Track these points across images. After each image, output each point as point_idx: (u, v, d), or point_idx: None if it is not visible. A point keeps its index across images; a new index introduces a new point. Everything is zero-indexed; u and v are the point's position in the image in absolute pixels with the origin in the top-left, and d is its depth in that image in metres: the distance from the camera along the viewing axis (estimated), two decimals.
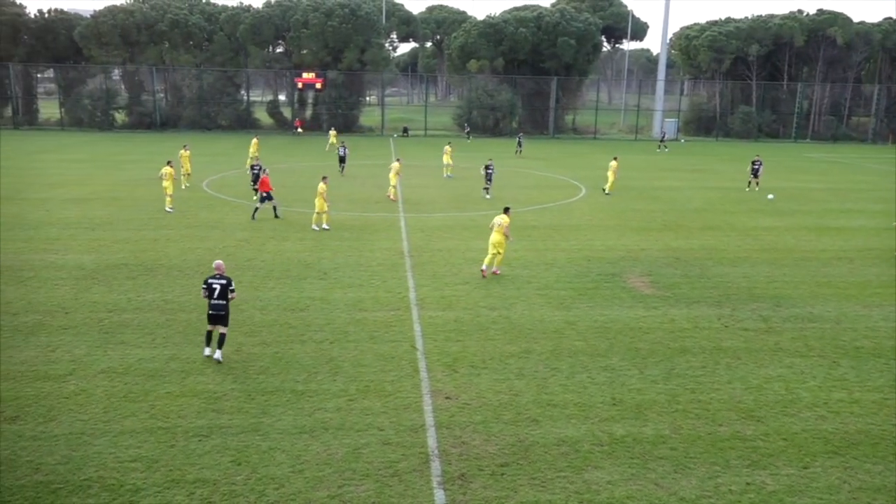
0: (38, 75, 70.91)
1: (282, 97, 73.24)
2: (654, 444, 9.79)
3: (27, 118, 64.86)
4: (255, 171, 28.08)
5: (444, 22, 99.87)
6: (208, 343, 12.32)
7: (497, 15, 68.78)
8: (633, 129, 68.27)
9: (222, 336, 12.13)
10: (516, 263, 19.00)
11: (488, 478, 8.88)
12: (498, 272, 17.83)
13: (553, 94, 65.94)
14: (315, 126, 64.57)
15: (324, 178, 23.12)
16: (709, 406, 11.01)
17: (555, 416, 10.52)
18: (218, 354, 12.10)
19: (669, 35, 74.53)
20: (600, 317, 14.90)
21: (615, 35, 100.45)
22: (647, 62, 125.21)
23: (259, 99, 79.00)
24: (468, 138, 54.31)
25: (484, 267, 17.62)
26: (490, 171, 29.70)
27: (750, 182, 33.66)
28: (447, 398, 11.05)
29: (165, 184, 25.09)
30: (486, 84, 65.06)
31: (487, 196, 29.46)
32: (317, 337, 13.41)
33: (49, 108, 69.40)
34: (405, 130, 64.91)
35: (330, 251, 19.90)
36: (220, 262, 12.38)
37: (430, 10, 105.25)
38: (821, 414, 10.86)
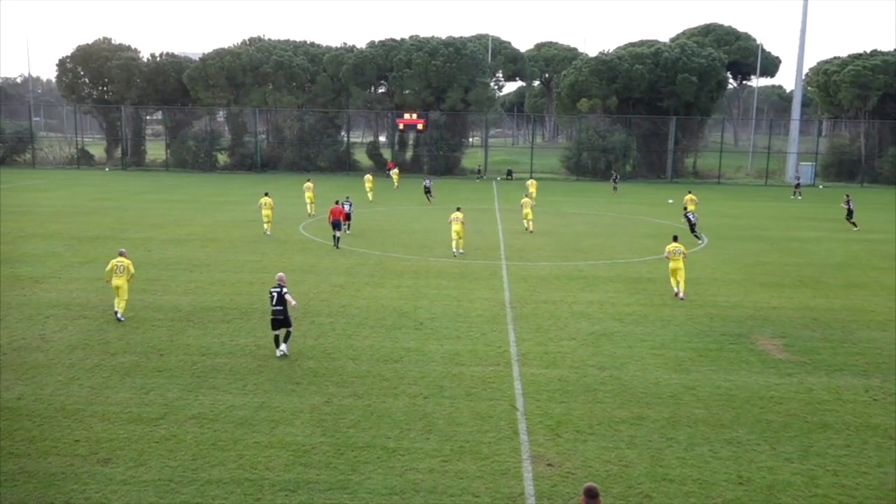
0: (147, 117, 76.94)
1: (382, 138, 75.86)
2: None
3: (135, 159, 70.24)
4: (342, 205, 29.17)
5: (553, 59, 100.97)
6: (277, 345, 15.08)
7: (611, 51, 68.86)
8: (763, 174, 65.79)
9: (288, 332, 15.07)
10: (629, 319, 18.51)
11: None
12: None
13: (672, 134, 64.85)
14: (416, 168, 66.12)
15: (458, 208, 27.27)
16: (854, 492, 10.17)
17: (671, 493, 10.02)
18: (284, 347, 14.98)
19: (805, 70, 72.02)
20: (724, 382, 14.19)
21: (742, 71, 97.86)
22: (778, 100, 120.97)
23: (359, 140, 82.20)
24: (615, 188, 52.84)
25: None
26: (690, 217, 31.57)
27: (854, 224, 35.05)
28: (549, 465, 10.77)
29: (265, 212, 30.35)
30: (597, 124, 64.86)
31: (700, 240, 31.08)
32: (410, 391, 13.48)
33: (155, 150, 74.98)
34: (509, 173, 65.39)
35: (427, 300, 20.12)
36: (281, 274, 15.52)
37: (539, 47, 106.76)
38: None
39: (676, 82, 63.06)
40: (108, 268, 17.70)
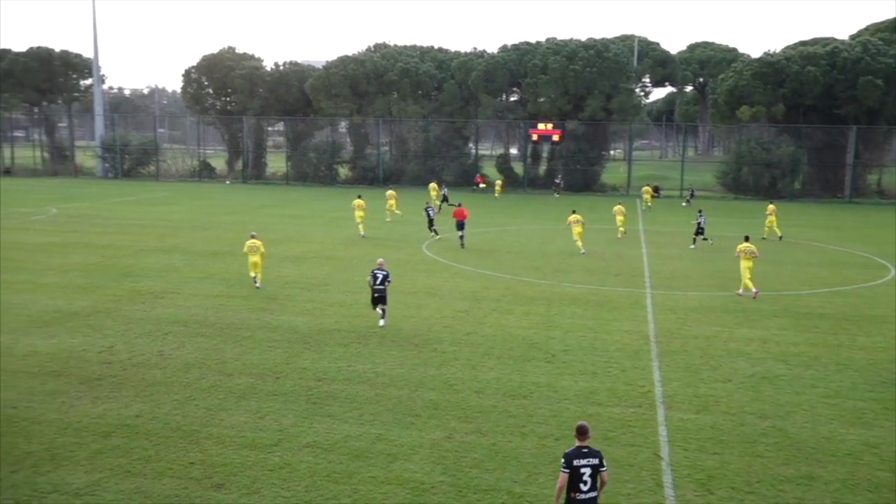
0: (269, 128, 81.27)
1: (513, 150, 76.20)
2: None
3: (255, 172, 74.34)
4: (429, 213, 36.33)
5: (708, 62, 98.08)
6: (375, 308, 20.06)
7: (778, 51, 66.07)
8: None
9: (384, 310, 19.90)
10: (796, 361, 17.55)
11: None
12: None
13: (851, 147, 61.17)
14: (547, 184, 66.08)
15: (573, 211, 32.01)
16: None
17: None
18: (382, 322, 19.72)
19: None
20: None
21: None
22: None
23: (488, 152, 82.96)
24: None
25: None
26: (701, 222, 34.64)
27: None
28: None
29: (358, 213, 35.91)
30: (760, 135, 62.27)
31: (692, 246, 34.43)
32: (540, 430, 13.37)
33: (276, 162, 78.98)
34: (657, 190, 63.86)
35: (560, 330, 19.94)
36: (382, 259, 20.78)
37: (692, 48, 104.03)
38: None
39: (858, 86, 59.44)
40: (245, 250, 24.44)
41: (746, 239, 24.81)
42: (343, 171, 72.13)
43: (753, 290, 23.99)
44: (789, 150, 60.76)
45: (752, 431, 13.48)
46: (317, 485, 11.27)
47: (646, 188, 54.82)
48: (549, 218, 45.18)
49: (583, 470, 8.68)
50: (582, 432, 8.92)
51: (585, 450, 8.81)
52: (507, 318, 21.05)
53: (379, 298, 19.82)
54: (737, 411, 14.42)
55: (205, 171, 75.95)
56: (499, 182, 61.78)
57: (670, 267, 29.41)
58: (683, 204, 55.82)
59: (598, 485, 8.82)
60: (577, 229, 31.91)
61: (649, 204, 52.85)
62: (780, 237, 37.37)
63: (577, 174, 65.45)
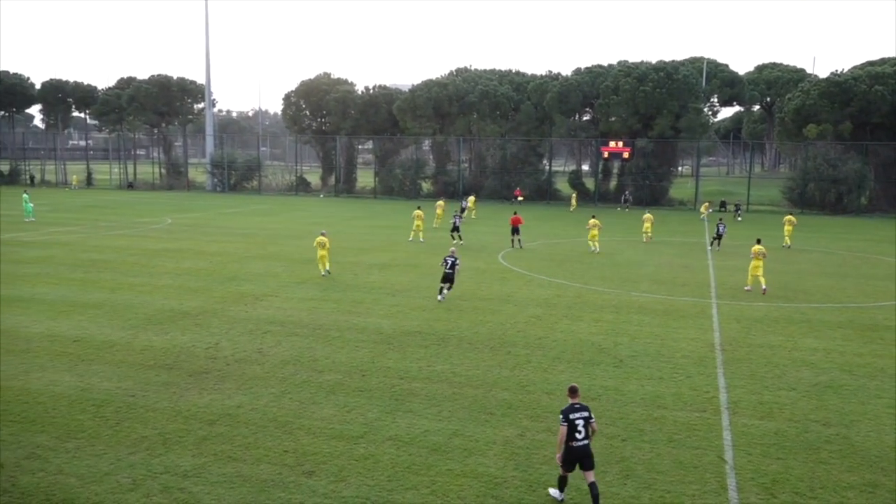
0: (359, 146, 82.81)
1: (585, 167, 75.43)
2: None
3: (346, 186, 75.76)
4: (454, 221, 38.14)
5: (776, 82, 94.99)
6: (440, 292, 23.22)
7: (845, 71, 63.41)
8: None
9: (449, 288, 23.23)
10: (861, 371, 16.76)
11: None
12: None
13: None
14: (617, 198, 65.14)
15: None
16: None
17: None
18: (444, 295, 23.14)
19: None
20: None
21: None
22: None
23: (561, 169, 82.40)
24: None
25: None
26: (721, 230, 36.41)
27: None
28: None
29: (417, 223, 37.65)
30: (826, 152, 59.83)
31: (717, 248, 36.43)
32: (608, 431, 13.15)
33: (365, 177, 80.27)
34: (722, 205, 62.15)
35: (628, 336, 19.59)
36: (454, 248, 25.19)
37: (760, 69, 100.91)
38: None
39: None
40: (315, 244, 27.66)
41: (758, 242, 26.25)
42: (426, 186, 72.81)
43: (763, 287, 25.17)
44: (855, 167, 58.22)
45: (816, 438, 12.93)
46: (398, 475, 11.36)
47: (705, 203, 56.49)
48: (618, 231, 44.46)
49: (577, 422, 10.12)
50: (573, 391, 10.56)
51: (577, 405, 10.31)
52: (578, 325, 20.81)
53: (447, 278, 23.20)
54: (801, 418, 13.86)
55: (301, 186, 77.85)
56: (574, 196, 61.54)
57: (735, 278, 28.50)
58: (738, 219, 53.89)
59: (590, 433, 10.24)
60: (592, 232, 35.14)
61: (705, 214, 54.28)
62: (789, 246, 38.19)
63: (646, 189, 64.25)
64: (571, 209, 58.46)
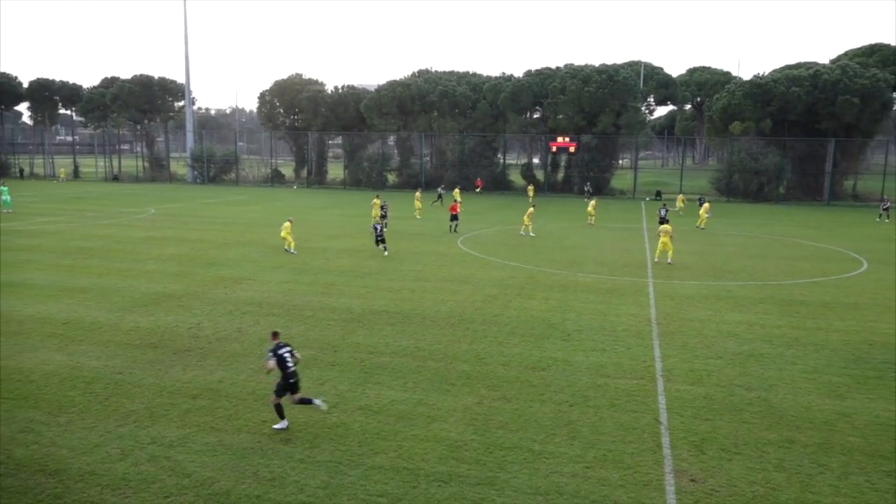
0: (329, 142, 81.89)
1: (535, 160, 75.79)
2: None
3: (318, 178, 74.88)
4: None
5: (705, 84, 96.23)
6: (378, 245, 27.95)
7: (766, 74, 64.56)
8: None
9: (385, 247, 27.55)
10: (779, 341, 17.22)
11: None
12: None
13: (829, 157, 59.68)
14: (567, 188, 65.71)
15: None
16: None
17: None
18: (386, 253, 27.05)
19: None
20: (885, 412, 12.81)
21: None
22: None
23: (514, 162, 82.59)
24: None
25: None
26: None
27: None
28: (692, 481, 10.22)
29: (374, 212, 37.64)
30: (750, 146, 60.99)
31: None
32: (557, 398, 13.31)
33: (335, 170, 79.48)
34: (658, 194, 63.07)
35: (574, 313, 19.80)
36: (377, 199, 30.20)
37: (691, 71, 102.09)
38: None
39: (836, 104, 57.92)
40: (282, 233, 29.24)
41: (663, 221, 29.77)
42: (391, 178, 72.41)
43: (669, 259, 27.43)
44: (775, 160, 59.47)
45: (740, 401, 13.27)
46: (368, 441, 11.36)
47: (680, 196, 51.15)
48: (565, 219, 44.82)
49: (285, 355, 11.55)
50: (275, 335, 11.96)
51: (282, 344, 11.72)
52: (529, 303, 20.97)
53: (381, 240, 28.54)
54: (726, 384, 14.21)
55: (276, 178, 76.75)
56: (531, 188, 61.43)
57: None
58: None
59: (294, 362, 11.64)
60: (527, 217, 36.36)
61: (681, 207, 49.18)
62: (702, 227, 39.78)
63: (591, 180, 64.80)
64: (531, 199, 57.96)
